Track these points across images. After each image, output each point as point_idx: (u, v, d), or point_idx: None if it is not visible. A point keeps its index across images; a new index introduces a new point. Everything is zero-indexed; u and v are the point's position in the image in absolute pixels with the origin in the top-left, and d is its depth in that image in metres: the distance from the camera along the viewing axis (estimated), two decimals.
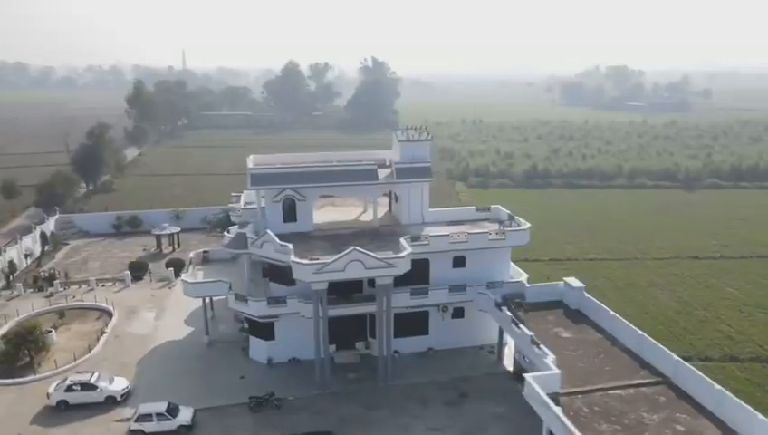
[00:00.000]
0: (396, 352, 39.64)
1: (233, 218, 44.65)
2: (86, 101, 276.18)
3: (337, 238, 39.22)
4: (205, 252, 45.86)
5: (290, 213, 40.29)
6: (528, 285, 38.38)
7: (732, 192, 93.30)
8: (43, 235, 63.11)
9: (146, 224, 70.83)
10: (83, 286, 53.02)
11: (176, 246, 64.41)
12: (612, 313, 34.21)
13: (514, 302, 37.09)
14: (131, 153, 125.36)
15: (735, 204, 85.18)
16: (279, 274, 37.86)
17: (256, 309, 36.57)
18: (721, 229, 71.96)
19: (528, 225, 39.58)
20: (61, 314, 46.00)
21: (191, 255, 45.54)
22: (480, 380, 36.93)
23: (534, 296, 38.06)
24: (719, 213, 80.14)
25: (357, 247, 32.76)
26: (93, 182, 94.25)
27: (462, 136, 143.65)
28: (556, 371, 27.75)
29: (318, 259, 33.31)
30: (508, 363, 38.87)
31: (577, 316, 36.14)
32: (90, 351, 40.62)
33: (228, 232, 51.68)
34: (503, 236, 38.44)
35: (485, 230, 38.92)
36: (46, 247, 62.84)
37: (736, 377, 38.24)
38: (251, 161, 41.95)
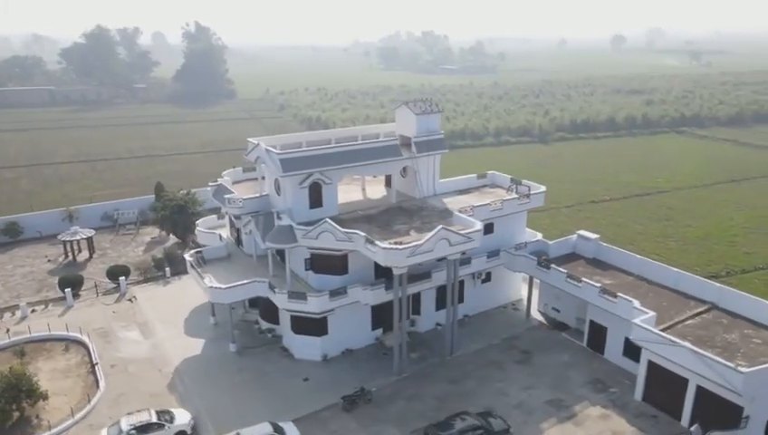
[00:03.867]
0: (438, 324, 40.33)
1: (231, 211, 39.70)
2: None
3: (374, 220, 37.79)
4: (197, 252, 40.28)
5: (316, 198, 37.52)
6: (550, 242, 41.64)
7: (577, 143, 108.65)
8: None
9: (29, 230, 58.75)
10: (6, 315, 42.91)
11: (91, 253, 54.67)
12: (639, 256, 39.27)
13: (542, 259, 40.06)
14: None
15: (588, 153, 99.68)
16: (330, 264, 35.51)
17: (318, 305, 33.95)
18: (595, 176, 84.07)
19: (543, 188, 42.64)
20: (20, 352, 36.82)
21: (188, 257, 39.66)
22: (527, 336, 39.50)
23: (554, 252, 41.54)
24: (581, 162, 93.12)
25: (444, 226, 32.36)
26: None
27: (318, 105, 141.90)
28: (652, 312, 31.43)
29: (401, 242, 32.12)
30: (536, 316, 41.96)
31: (599, 264, 40.46)
32: (98, 387, 33.68)
33: (198, 226, 46.36)
34: (528, 200, 40.94)
35: (514, 196, 40.99)
36: None
37: None
38: (266, 144, 37.66)
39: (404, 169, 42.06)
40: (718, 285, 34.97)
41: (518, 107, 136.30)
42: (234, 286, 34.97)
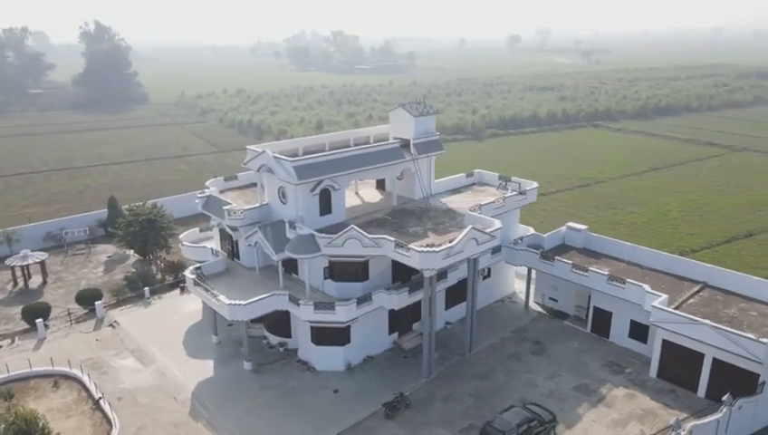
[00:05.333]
0: (448, 323, 40.82)
1: (232, 223, 37.60)
2: None
3: (385, 224, 37.54)
4: (197, 268, 37.83)
5: (326, 205, 36.70)
6: (544, 235, 43.40)
7: (508, 139, 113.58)
8: None
9: None
10: None
11: (45, 278, 49.55)
12: (629, 243, 41.97)
13: (541, 252, 41.68)
14: None
15: (521, 148, 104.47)
16: (351, 271, 34.87)
17: (346, 314, 33.18)
18: (534, 170, 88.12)
19: (536, 184, 44.33)
20: (8, 393, 32.73)
21: (189, 275, 37.08)
22: (532, 327, 40.92)
23: (547, 244, 43.38)
24: (518, 157, 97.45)
25: (474, 226, 32.79)
26: None
27: (244, 108, 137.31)
28: (664, 295, 33.81)
29: (434, 245, 32.14)
30: (533, 307, 43.55)
31: (590, 254, 42.69)
32: (111, 425, 30.72)
33: (182, 241, 43.72)
34: (524, 196, 42.43)
35: (514, 193, 42.25)
36: None
37: None
38: (272, 151, 36.07)
39: (401, 171, 42.11)
40: (708, 265, 38.30)
41: (445, 105, 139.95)
42: (254, 302, 33.26)
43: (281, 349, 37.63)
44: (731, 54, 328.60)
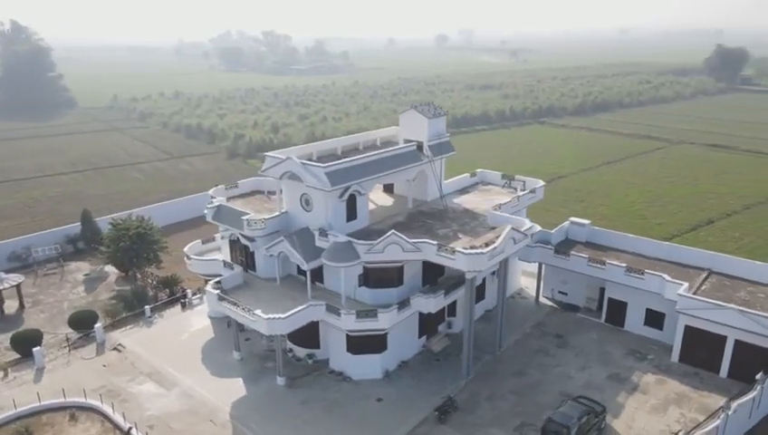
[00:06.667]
0: None
1: (249, 233, 35.98)
2: None
3: (411, 227, 37.19)
4: (217, 283, 35.89)
5: (352, 210, 35.97)
6: (552, 231, 44.56)
7: (462, 137, 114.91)
8: None
9: None
10: None
11: (22, 302, 45.39)
12: (632, 235, 43.88)
13: (551, 248, 42.83)
14: None
15: (477, 146, 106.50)
16: (386, 277, 34.32)
17: (389, 320, 32.67)
18: (497, 166, 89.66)
19: (542, 182, 45.46)
20: (25, 431, 29.66)
21: (212, 290, 35.03)
22: (549, 321, 41.94)
23: (553, 239, 44.62)
24: (477, 155, 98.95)
25: (513, 226, 33.11)
26: None
27: (188, 112, 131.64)
28: (685, 283, 35.63)
29: (476, 246, 32.20)
30: (543, 301, 44.66)
31: (594, 247, 44.20)
32: None
33: (188, 254, 41.49)
34: (534, 194, 43.39)
35: (525, 193, 43.09)
36: None
37: None
38: (300, 158, 34.82)
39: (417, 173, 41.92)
40: (708, 252, 40.74)
41: (395, 105, 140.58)
42: (292, 314, 31.98)
43: (309, 361, 36.46)
44: (639, 53, 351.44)
